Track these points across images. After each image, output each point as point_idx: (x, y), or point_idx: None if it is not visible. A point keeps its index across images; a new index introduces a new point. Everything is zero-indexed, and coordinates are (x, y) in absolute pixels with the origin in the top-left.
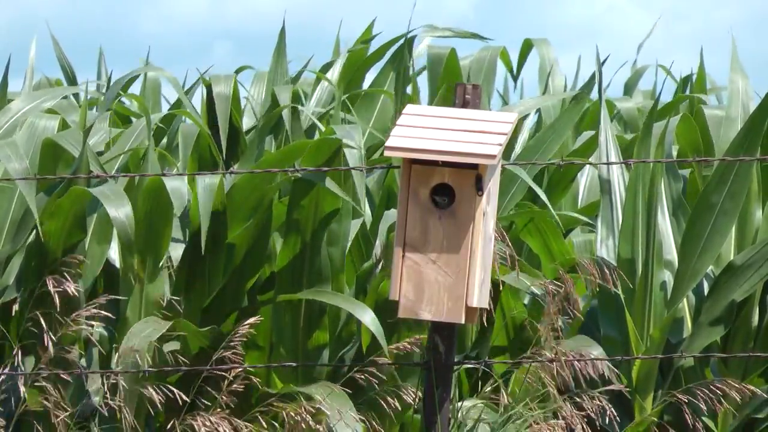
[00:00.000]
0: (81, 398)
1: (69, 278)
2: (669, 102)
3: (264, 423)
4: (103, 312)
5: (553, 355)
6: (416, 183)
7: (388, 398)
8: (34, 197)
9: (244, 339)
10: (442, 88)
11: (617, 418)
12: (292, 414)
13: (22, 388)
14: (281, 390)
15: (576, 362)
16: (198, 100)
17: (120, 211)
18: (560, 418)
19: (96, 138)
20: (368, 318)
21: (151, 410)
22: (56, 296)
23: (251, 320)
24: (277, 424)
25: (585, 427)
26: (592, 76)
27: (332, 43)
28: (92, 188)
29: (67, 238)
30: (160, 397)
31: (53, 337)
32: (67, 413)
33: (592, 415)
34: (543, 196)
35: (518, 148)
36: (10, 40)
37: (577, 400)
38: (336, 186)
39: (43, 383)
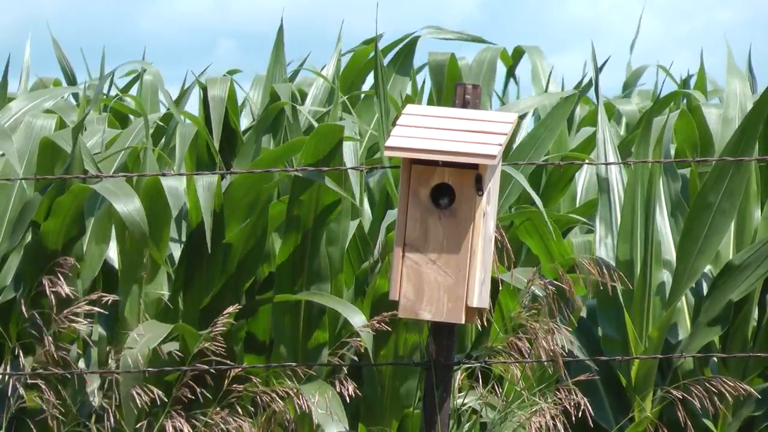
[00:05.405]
0: (80, 398)
1: (62, 278)
2: (665, 96)
3: (240, 409)
4: (96, 309)
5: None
6: (416, 183)
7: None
8: (34, 197)
9: (224, 329)
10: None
11: (591, 411)
12: (267, 399)
13: (21, 388)
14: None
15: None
16: (196, 99)
17: (129, 206)
18: (548, 412)
19: (95, 138)
20: (358, 320)
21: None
22: (52, 297)
23: (230, 309)
24: (252, 408)
25: (575, 419)
26: (589, 75)
27: (333, 43)
28: (95, 185)
29: (65, 236)
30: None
31: (50, 337)
32: (62, 412)
33: (571, 410)
34: (537, 200)
35: (513, 147)
36: (14, 41)
37: (560, 395)
38: (335, 185)
39: (41, 382)
